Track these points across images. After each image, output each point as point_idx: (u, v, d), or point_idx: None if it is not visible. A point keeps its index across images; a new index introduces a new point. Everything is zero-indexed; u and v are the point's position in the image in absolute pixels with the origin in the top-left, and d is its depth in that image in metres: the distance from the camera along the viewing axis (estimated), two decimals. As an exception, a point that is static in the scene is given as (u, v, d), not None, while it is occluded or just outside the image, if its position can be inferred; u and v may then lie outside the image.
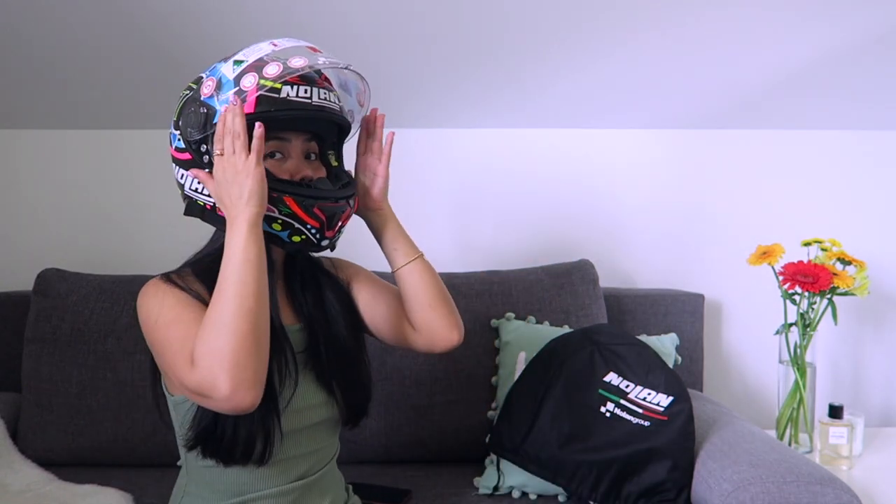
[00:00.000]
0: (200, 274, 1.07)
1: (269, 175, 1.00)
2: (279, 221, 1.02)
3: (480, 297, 1.71)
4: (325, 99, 1.03)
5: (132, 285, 1.70)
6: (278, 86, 0.99)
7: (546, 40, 1.69)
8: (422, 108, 1.89)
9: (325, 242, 1.06)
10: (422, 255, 1.18)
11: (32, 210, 1.97)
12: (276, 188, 1.00)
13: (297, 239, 1.04)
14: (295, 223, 1.02)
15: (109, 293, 1.68)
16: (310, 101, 1.01)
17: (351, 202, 1.08)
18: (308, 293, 1.16)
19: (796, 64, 1.77)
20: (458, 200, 2.00)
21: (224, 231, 0.99)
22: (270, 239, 1.03)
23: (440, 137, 1.98)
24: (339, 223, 1.06)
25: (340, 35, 1.64)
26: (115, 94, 1.84)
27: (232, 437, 1.01)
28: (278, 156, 1.06)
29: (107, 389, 1.62)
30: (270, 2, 1.57)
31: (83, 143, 1.96)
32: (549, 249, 1.97)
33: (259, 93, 0.98)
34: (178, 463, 1.18)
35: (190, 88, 1.06)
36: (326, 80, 1.08)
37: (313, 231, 1.03)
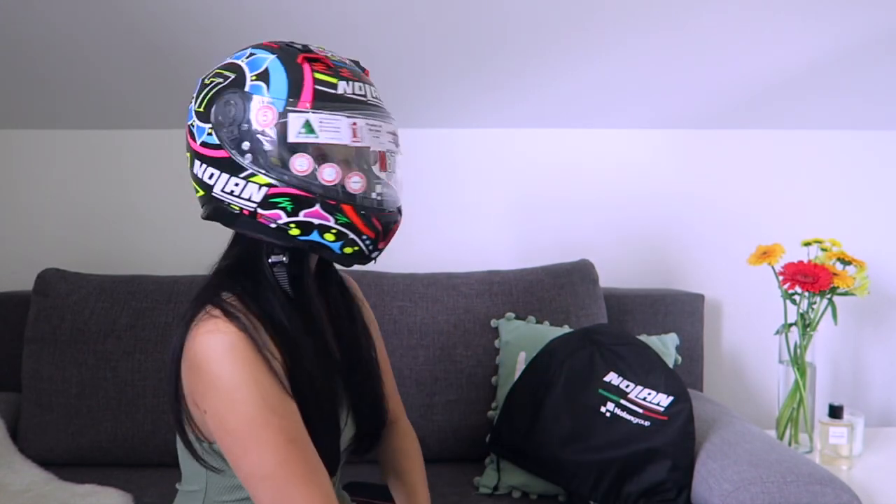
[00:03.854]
0: (253, 305, 0.94)
1: None
2: (333, 231, 0.93)
3: (480, 297, 1.71)
4: (377, 97, 0.96)
5: (132, 285, 1.71)
6: (334, 80, 0.91)
7: (546, 40, 1.69)
8: (421, 107, 1.89)
9: (375, 254, 0.98)
10: None
11: (33, 210, 1.97)
12: (330, 194, 0.91)
13: (349, 250, 0.94)
14: (350, 233, 0.93)
15: (109, 293, 1.68)
16: (365, 98, 0.93)
17: (401, 211, 1.02)
18: (342, 309, 1.10)
19: (796, 64, 1.77)
20: (458, 200, 2.00)
21: (262, 240, 0.94)
22: (319, 249, 0.94)
23: (440, 137, 1.98)
24: (392, 234, 0.99)
25: (340, 35, 1.64)
26: (115, 94, 1.84)
27: None
28: None
29: (107, 389, 1.62)
30: (269, 0, 1.57)
31: (84, 144, 1.96)
32: (549, 249, 1.97)
33: (315, 87, 0.90)
34: (186, 487, 1.03)
35: (221, 76, 0.93)
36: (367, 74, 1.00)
37: (367, 242, 0.95)
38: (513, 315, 1.67)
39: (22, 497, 1.43)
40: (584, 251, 1.92)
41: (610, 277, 1.94)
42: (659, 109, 1.94)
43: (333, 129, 0.90)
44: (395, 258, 1.86)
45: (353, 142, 0.91)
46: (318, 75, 0.91)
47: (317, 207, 0.91)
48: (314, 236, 0.92)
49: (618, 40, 1.69)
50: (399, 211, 1.01)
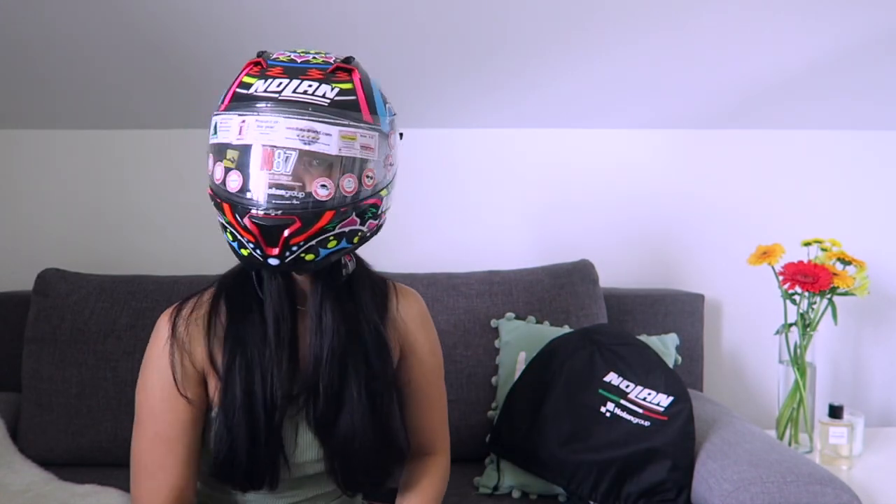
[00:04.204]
0: (222, 304, 1.03)
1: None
2: (227, 231, 0.92)
3: (480, 297, 1.71)
4: (305, 92, 0.91)
5: (132, 285, 1.71)
6: (252, 80, 0.92)
7: (546, 40, 1.69)
8: (421, 107, 1.89)
9: (273, 261, 0.89)
10: None
11: (33, 210, 1.97)
12: (217, 192, 0.91)
13: (244, 252, 0.91)
14: (237, 234, 0.90)
15: (109, 293, 1.68)
16: (276, 95, 0.90)
17: (304, 214, 0.89)
18: (331, 338, 1.01)
19: (796, 64, 1.77)
20: (458, 200, 2.00)
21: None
22: (233, 251, 0.93)
23: (440, 137, 1.98)
24: (286, 239, 0.88)
25: (340, 35, 1.64)
26: (115, 94, 1.84)
27: (245, 464, 1.00)
28: None
29: (107, 389, 1.62)
30: (269, 0, 1.57)
31: (84, 144, 1.96)
32: (549, 249, 1.97)
33: None
34: None
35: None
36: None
37: (252, 245, 0.89)
38: (513, 315, 1.67)
39: (22, 497, 1.43)
40: (584, 251, 1.92)
41: (610, 277, 1.94)
42: (659, 109, 1.94)
43: (226, 128, 0.90)
44: (396, 258, 1.86)
45: (237, 140, 0.89)
46: (244, 78, 0.92)
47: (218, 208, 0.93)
48: (225, 236, 0.94)
49: (618, 40, 1.69)
50: (292, 212, 0.88)
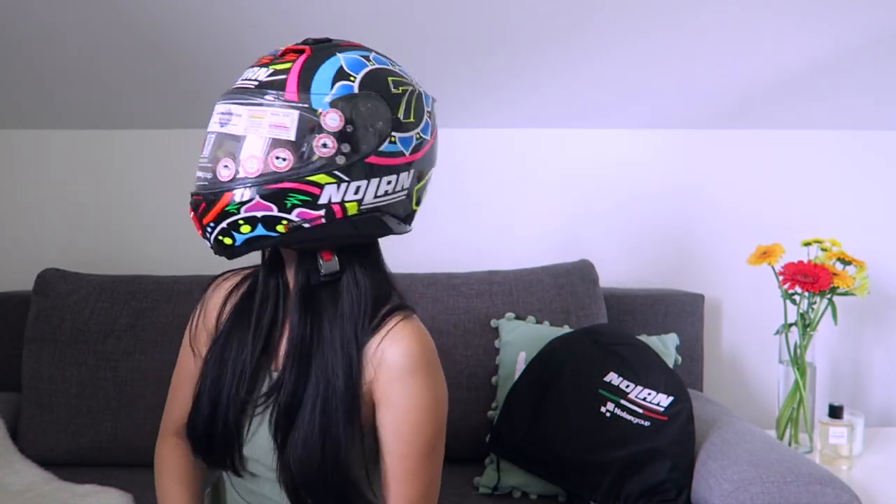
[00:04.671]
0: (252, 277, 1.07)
1: None
2: None
3: (480, 297, 1.71)
4: (252, 78, 0.93)
5: (132, 285, 1.71)
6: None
7: (546, 40, 1.69)
8: (422, 108, 1.89)
9: (204, 241, 0.95)
10: None
11: (32, 210, 1.97)
12: None
13: None
14: None
15: (109, 293, 1.68)
16: (240, 84, 0.93)
17: (207, 195, 0.90)
18: (309, 341, 0.96)
19: (796, 64, 1.77)
20: (458, 200, 2.00)
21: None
22: None
23: (440, 137, 1.97)
24: (199, 220, 0.93)
25: (339, 34, 1.63)
26: (115, 94, 1.84)
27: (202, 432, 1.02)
28: None
29: (107, 389, 1.62)
30: (269, 0, 1.57)
31: (83, 144, 1.96)
32: (549, 249, 1.97)
33: None
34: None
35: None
36: None
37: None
38: (513, 315, 1.67)
39: (22, 497, 1.43)
40: (584, 251, 1.92)
41: (610, 277, 1.94)
42: (659, 109, 1.94)
43: None
44: (395, 258, 1.85)
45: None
46: None
47: None
48: None
49: (618, 40, 1.69)
50: (201, 192, 0.91)
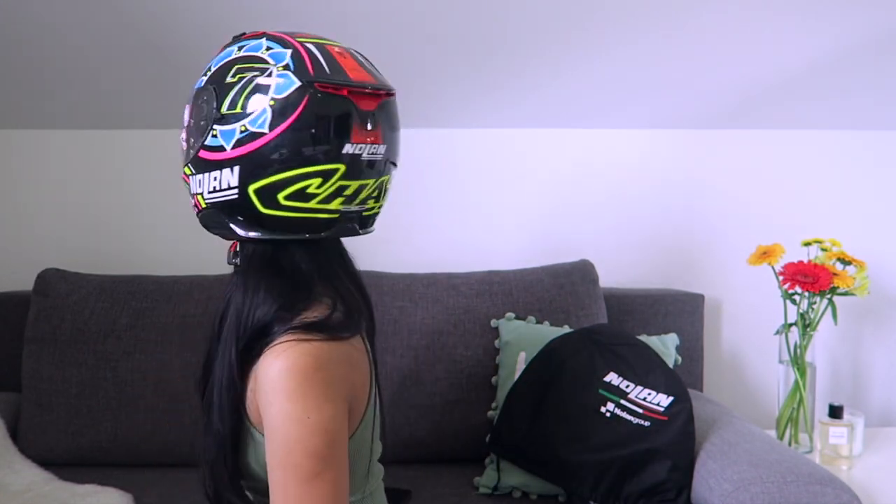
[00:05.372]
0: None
1: None
2: None
3: (480, 297, 1.71)
4: None
5: (132, 285, 1.71)
6: None
7: (546, 40, 1.69)
8: (421, 107, 1.89)
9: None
10: None
11: (32, 210, 1.97)
12: None
13: None
14: None
15: (109, 293, 1.68)
16: None
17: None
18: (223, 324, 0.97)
19: (796, 64, 1.77)
20: (458, 200, 2.00)
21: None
22: None
23: (439, 137, 1.98)
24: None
25: (339, 35, 1.63)
26: (115, 94, 1.84)
27: None
28: None
29: (107, 389, 1.62)
30: (269, 0, 1.57)
31: (83, 144, 1.96)
32: (549, 249, 1.97)
33: None
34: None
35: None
36: None
37: None
38: (513, 315, 1.67)
39: (22, 497, 1.43)
40: (584, 251, 1.92)
41: (610, 277, 1.94)
42: (659, 109, 1.94)
43: None
44: (396, 258, 1.86)
45: None
46: None
47: None
48: None
49: (618, 40, 1.69)
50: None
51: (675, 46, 1.71)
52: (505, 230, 2.01)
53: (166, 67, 1.75)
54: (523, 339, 1.61)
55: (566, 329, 1.63)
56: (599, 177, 2.01)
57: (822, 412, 1.76)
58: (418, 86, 1.82)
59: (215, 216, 0.89)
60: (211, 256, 1.58)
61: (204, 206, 0.90)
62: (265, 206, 0.86)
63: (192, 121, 0.89)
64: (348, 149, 0.85)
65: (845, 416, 1.69)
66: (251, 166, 0.84)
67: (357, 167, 0.87)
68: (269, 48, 0.87)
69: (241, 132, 0.84)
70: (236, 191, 0.86)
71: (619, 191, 2.01)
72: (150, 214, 1.97)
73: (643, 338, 1.63)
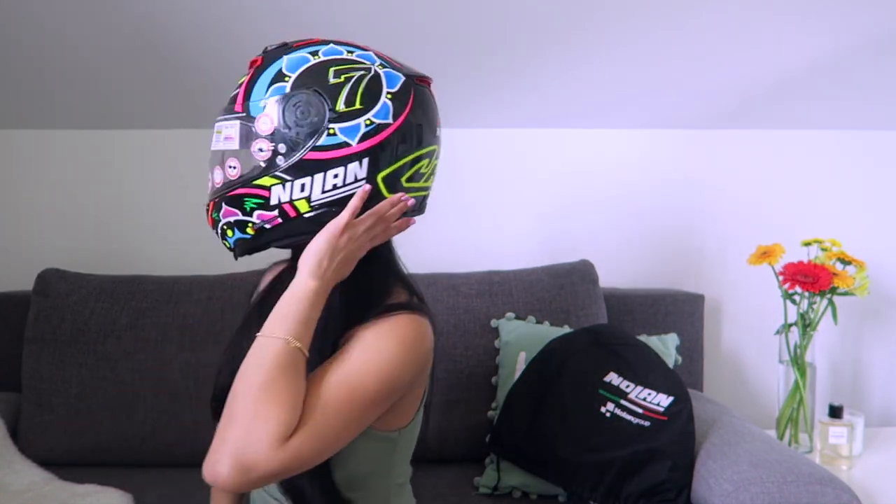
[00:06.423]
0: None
1: None
2: None
3: (480, 297, 1.71)
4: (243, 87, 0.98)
5: (132, 285, 1.71)
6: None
7: (546, 40, 1.69)
8: (422, 108, 1.89)
9: (227, 245, 0.98)
10: (261, 336, 0.88)
11: (33, 210, 1.97)
12: None
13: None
14: None
15: (109, 293, 1.68)
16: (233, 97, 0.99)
17: (217, 202, 0.94)
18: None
19: (796, 64, 1.77)
20: (458, 200, 2.00)
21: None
22: None
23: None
24: (213, 226, 0.97)
25: (339, 34, 1.63)
26: (115, 94, 1.84)
27: None
28: None
29: (107, 389, 1.62)
30: (269, 0, 1.57)
31: (83, 144, 1.96)
32: (549, 249, 1.97)
33: None
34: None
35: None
36: None
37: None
38: (513, 315, 1.67)
39: (22, 497, 1.43)
40: (584, 251, 1.92)
41: (610, 277, 1.94)
42: (659, 109, 1.94)
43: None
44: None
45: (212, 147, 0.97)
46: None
47: None
48: None
49: (617, 40, 1.69)
50: (211, 204, 0.96)
51: (675, 46, 1.71)
52: (505, 230, 2.01)
53: (166, 67, 1.75)
54: (523, 339, 1.61)
55: (566, 329, 1.63)
56: (599, 177, 2.01)
57: (822, 412, 1.76)
58: (418, 86, 1.82)
59: (321, 217, 0.91)
60: (211, 256, 1.58)
61: (308, 209, 0.91)
62: (389, 191, 0.93)
63: (285, 128, 0.90)
64: (438, 131, 1.00)
65: (845, 416, 1.69)
66: (379, 156, 0.91)
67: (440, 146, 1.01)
68: (350, 51, 0.95)
69: (367, 125, 0.90)
70: (363, 182, 0.91)
71: (619, 191, 2.01)
72: (150, 214, 1.97)
73: (643, 338, 1.63)
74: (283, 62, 0.92)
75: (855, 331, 2.06)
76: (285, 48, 0.94)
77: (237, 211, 0.93)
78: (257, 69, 0.93)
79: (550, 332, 1.61)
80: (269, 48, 0.95)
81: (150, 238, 1.98)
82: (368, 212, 0.91)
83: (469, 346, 1.66)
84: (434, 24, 1.63)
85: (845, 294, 1.70)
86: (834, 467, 1.64)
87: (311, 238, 0.90)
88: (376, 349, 0.90)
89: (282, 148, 0.90)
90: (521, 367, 1.56)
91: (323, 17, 1.60)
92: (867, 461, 1.69)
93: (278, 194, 0.90)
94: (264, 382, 0.83)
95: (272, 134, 0.90)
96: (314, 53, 0.92)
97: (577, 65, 1.77)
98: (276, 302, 0.90)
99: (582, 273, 1.76)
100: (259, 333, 0.88)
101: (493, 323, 1.67)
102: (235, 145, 0.91)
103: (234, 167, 0.92)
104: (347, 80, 0.91)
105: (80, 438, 1.61)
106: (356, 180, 0.91)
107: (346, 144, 0.90)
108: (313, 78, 0.90)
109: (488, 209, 2.01)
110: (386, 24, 1.63)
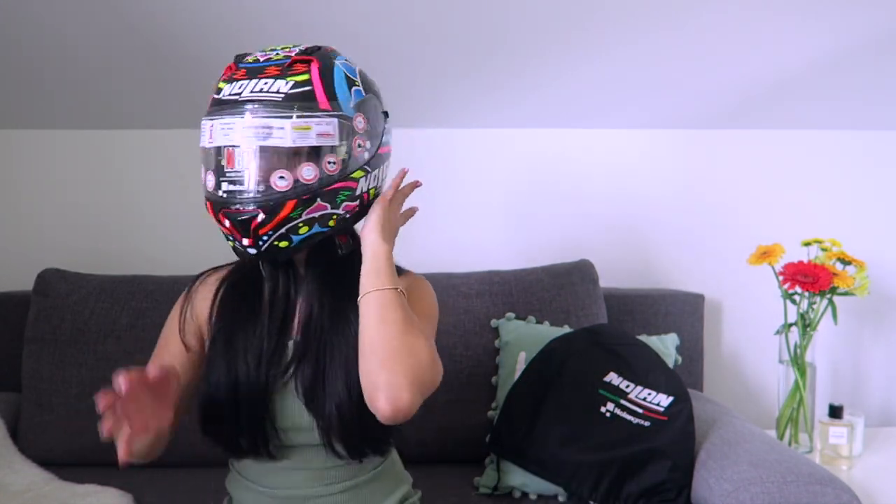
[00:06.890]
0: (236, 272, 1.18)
1: None
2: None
3: (480, 297, 1.71)
4: (260, 90, 0.98)
5: (132, 285, 1.71)
6: (222, 85, 1.00)
7: (546, 40, 1.69)
8: (421, 107, 1.89)
9: (251, 250, 0.98)
10: (375, 291, 0.99)
11: (33, 210, 1.97)
12: (204, 192, 1.01)
13: (231, 244, 1.01)
14: (220, 229, 1.00)
15: (109, 293, 1.68)
16: (237, 97, 0.97)
17: (266, 206, 0.95)
18: (325, 304, 1.06)
19: (796, 64, 1.77)
20: (458, 200, 2.00)
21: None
22: None
23: (440, 137, 1.98)
24: (254, 231, 0.96)
25: (339, 35, 1.64)
26: (115, 94, 1.84)
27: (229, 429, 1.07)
28: None
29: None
30: (269, 0, 1.57)
31: (83, 144, 1.96)
32: (549, 249, 1.97)
33: None
34: None
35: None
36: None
37: (231, 238, 0.99)
38: (513, 315, 1.67)
39: (22, 497, 1.43)
40: (584, 251, 1.91)
41: (610, 277, 1.94)
42: (659, 109, 1.94)
43: (203, 133, 0.99)
44: (395, 258, 1.86)
45: (209, 143, 0.98)
46: (219, 83, 1.00)
47: None
48: None
49: (617, 40, 1.69)
50: (255, 205, 0.95)
51: (675, 46, 1.71)
52: (505, 230, 2.01)
53: (166, 67, 1.75)
54: (523, 339, 1.61)
55: (566, 329, 1.63)
56: (599, 177, 2.01)
57: (822, 412, 1.76)
58: (418, 86, 1.82)
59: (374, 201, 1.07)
60: (210, 256, 1.58)
61: (374, 195, 1.07)
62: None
63: (370, 126, 1.03)
64: None
65: (845, 416, 1.69)
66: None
67: None
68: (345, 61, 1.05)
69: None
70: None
71: (619, 190, 2.01)
72: (150, 214, 1.97)
73: (643, 338, 1.63)
74: (342, 66, 1.01)
75: (855, 331, 2.06)
76: (321, 51, 1.00)
77: (327, 205, 0.99)
78: (321, 69, 0.97)
79: (550, 332, 1.61)
80: (307, 48, 1.00)
81: (150, 238, 1.98)
82: (389, 187, 1.08)
83: (469, 346, 1.66)
84: (434, 24, 1.63)
85: (845, 294, 1.70)
86: (834, 467, 1.64)
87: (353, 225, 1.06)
88: (429, 293, 1.14)
89: (368, 144, 1.02)
90: (521, 367, 1.56)
91: (323, 17, 1.60)
92: (867, 461, 1.69)
93: (362, 185, 1.03)
94: (403, 320, 0.96)
95: (365, 130, 1.01)
96: (347, 61, 1.04)
97: (577, 65, 1.77)
98: (262, 300, 1.06)
99: (582, 273, 1.76)
100: (365, 291, 0.99)
101: (493, 323, 1.67)
102: (336, 141, 0.98)
103: (334, 163, 0.98)
104: (374, 83, 1.08)
105: (80, 438, 1.61)
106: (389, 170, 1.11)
107: (389, 140, 1.10)
108: (368, 83, 1.05)
109: (488, 209, 2.01)
110: (386, 24, 1.63)
